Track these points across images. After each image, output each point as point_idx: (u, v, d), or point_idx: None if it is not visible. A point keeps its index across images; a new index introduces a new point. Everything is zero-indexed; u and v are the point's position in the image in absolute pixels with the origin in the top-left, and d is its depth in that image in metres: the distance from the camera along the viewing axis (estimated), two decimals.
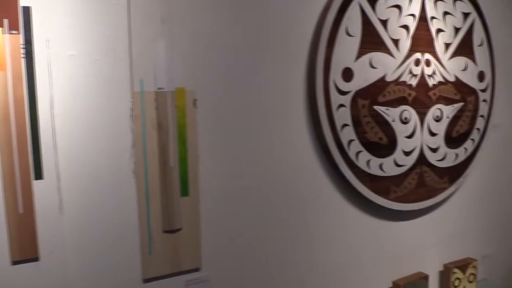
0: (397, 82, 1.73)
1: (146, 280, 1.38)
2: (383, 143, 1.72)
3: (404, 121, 1.77)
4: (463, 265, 2.02)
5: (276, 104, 1.54)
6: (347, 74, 1.61)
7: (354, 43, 1.61)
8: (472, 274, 2.04)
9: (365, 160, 1.68)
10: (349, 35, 1.59)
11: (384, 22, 1.67)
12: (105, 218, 1.31)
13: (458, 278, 2.00)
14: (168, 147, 1.35)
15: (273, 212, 1.57)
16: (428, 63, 1.80)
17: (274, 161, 1.56)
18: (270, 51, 1.52)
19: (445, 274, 2.01)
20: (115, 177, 1.32)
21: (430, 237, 1.98)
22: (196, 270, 1.46)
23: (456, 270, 1.99)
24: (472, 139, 2.00)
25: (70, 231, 1.27)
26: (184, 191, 1.39)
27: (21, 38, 1.16)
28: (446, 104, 1.88)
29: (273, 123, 1.54)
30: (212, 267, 1.48)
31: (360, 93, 1.64)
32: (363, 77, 1.64)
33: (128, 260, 1.35)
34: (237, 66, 1.46)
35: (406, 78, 1.75)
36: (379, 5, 1.65)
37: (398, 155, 1.77)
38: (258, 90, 1.51)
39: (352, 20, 1.59)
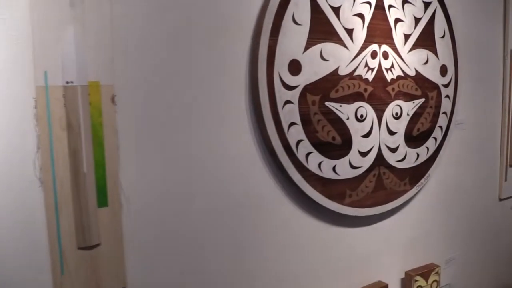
0: (351, 76, 1.57)
1: None
2: (336, 143, 1.57)
3: (360, 119, 1.62)
4: (426, 271, 1.89)
5: (214, 100, 1.37)
6: (295, 67, 1.44)
7: (302, 32, 1.45)
8: (435, 281, 1.92)
9: (316, 162, 1.53)
10: (296, 23, 1.43)
11: (336, 10, 1.51)
12: (6, 235, 1.11)
13: (420, 286, 1.88)
14: (81, 151, 1.16)
15: (212, 222, 1.40)
16: (386, 55, 1.66)
17: (213, 164, 1.38)
18: (208, 40, 1.34)
19: (407, 282, 1.88)
20: (18, 186, 1.12)
21: (390, 243, 1.85)
22: None
23: (418, 277, 1.86)
24: (434, 138, 1.87)
25: None
26: (102, 201, 1.21)
27: None
28: (406, 100, 1.74)
29: (211, 121, 1.36)
30: (141, 286, 1.30)
31: (310, 88, 1.48)
32: (313, 70, 1.48)
33: (37, 282, 1.16)
34: (167, 56, 1.28)
35: (361, 71, 1.60)
36: None
37: (353, 156, 1.62)
38: (193, 84, 1.33)
39: (299, 7, 1.43)
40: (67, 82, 1.13)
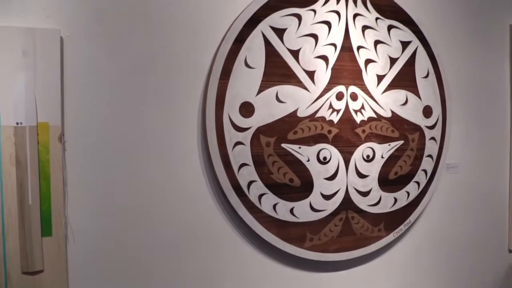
0: (312, 117, 1.56)
1: None
2: (294, 185, 1.55)
3: (323, 161, 1.59)
4: None
5: (167, 139, 1.44)
6: (247, 109, 1.47)
7: (255, 75, 1.47)
8: None
9: (271, 203, 1.52)
10: (249, 66, 1.46)
11: (295, 53, 1.52)
12: None
13: None
14: (27, 184, 1.29)
15: (160, 253, 1.45)
16: (354, 97, 1.62)
17: (162, 200, 1.44)
18: (161, 82, 1.42)
19: None
20: None
21: None
22: None
23: None
24: (417, 182, 1.76)
25: None
26: (47, 231, 1.32)
27: None
28: (380, 142, 1.67)
29: (162, 158, 1.43)
30: None
31: (264, 130, 1.49)
32: (268, 112, 1.50)
33: None
34: (117, 98, 1.38)
35: (325, 113, 1.58)
36: (289, 34, 1.51)
37: (315, 198, 1.58)
38: (145, 123, 1.41)
39: (252, 51, 1.46)
40: (17, 123, 1.27)
